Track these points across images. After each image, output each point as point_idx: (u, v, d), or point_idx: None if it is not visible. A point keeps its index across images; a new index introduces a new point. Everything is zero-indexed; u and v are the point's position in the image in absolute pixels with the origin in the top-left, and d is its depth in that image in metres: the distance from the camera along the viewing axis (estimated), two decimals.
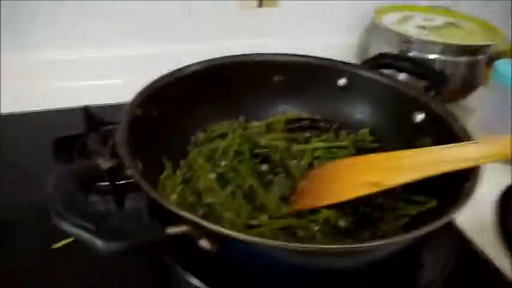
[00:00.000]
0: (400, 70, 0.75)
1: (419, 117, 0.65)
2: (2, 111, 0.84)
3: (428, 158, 0.53)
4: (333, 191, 0.56)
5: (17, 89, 0.89)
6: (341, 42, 1.11)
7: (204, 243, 0.42)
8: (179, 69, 0.67)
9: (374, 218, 0.57)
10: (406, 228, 0.54)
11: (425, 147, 0.56)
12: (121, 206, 0.58)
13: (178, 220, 0.41)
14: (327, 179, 0.59)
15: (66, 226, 0.37)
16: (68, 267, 0.55)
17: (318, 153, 0.64)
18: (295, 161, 0.63)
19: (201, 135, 0.69)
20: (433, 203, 0.56)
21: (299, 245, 0.41)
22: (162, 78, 0.65)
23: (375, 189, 0.54)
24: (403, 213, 0.58)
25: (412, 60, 0.82)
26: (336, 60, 0.73)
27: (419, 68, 0.74)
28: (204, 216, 0.54)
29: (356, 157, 0.62)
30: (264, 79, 0.74)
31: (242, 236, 0.39)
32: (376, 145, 0.70)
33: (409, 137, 0.66)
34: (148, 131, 0.60)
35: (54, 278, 0.54)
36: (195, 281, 0.44)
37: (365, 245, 0.45)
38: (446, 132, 0.60)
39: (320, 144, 0.65)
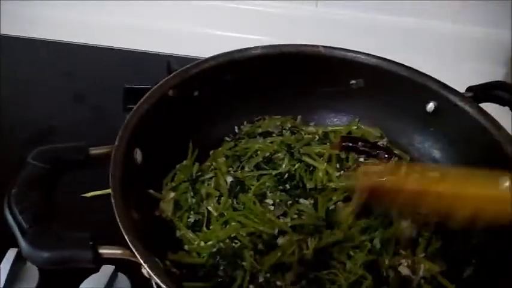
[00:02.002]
0: None
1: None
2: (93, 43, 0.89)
3: None
4: None
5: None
6: (488, 35, 0.87)
7: (145, 272, 0.38)
8: (238, 51, 0.60)
9: None
10: None
11: None
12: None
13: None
14: None
15: (6, 214, 0.37)
16: None
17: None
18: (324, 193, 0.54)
19: (246, 127, 0.63)
20: None
21: None
22: (217, 57, 0.59)
23: None
24: None
25: None
26: (430, 77, 0.58)
27: None
28: (192, 226, 0.51)
29: None
30: (338, 80, 0.63)
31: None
32: None
33: None
34: (181, 114, 0.56)
35: None
36: None
37: None
38: None
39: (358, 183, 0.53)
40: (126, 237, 0.37)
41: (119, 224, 0.38)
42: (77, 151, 0.44)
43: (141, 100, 0.51)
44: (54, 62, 0.87)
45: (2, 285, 0.52)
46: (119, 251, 0.37)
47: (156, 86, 0.53)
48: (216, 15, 0.93)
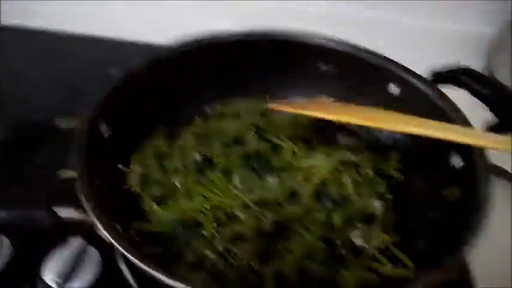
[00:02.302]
0: (481, 98, 0.57)
1: (457, 161, 0.51)
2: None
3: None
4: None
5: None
6: (471, 31, 0.90)
7: (102, 235, 0.40)
8: (208, 36, 0.62)
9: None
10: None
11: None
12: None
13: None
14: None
15: None
16: None
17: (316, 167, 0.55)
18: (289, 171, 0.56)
19: (217, 109, 0.65)
20: (409, 273, 0.45)
21: None
22: (187, 42, 0.61)
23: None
24: (376, 267, 0.48)
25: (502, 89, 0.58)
26: (393, 61, 0.60)
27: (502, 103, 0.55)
28: (158, 199, 0.53)
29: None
30: (308, 65, 0.65)
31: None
32: (400, 176, 0.57)
33: (439, 180, 0.53)
34: (152, 94, 0.59)
35: None
36: None
37: None
38: (473, 191, 0.46)
39: (320, 163, 0.55)
40: (82, 199, 0.39)
41: (77, 187, 0.40)
42: (42, 122, 0.46)
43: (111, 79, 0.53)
44: (47, 52, 0.89)
45: None
46: (75, 213, 0.39)
47: (128, 67, 0.55)
48: (210, 8, 0.95)
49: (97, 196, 0.42)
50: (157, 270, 0.36)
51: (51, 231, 0.43)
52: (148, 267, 0.36)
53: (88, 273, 0.52)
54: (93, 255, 0.55)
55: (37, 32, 0.90)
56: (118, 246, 0.38)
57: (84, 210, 0.39)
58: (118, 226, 0.43)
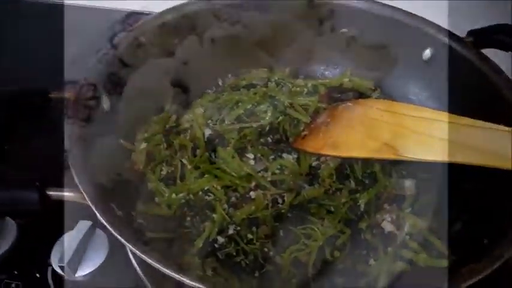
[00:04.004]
0: None
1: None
2: None
3: (463, 135, 0.42)
4: (344, 142, 0.48)
5: None
6: None
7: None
8: None
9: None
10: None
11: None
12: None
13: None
14: (344, 123, 0.50)
15: None
16: None
17: None
18: None
19: (230, 80, 0.60)
20: (443, 263, 0.40)
21: None
22: (195, 2, 0.55)
23: (389, 155, 0.45)
24: (407, 256, 0.42)
25: None
26: (427, 20, 0.54)
27: None
28: (165, 179, 0.48)
29: (384, 100, 0.52)
30: (328, 27, 0.58)
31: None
32: None
33: None
34: (158, 63, 0.53)
35: None
36: None
37: None
38: None
39: None
40: (75, 178, 0.35)
41: (70, 165, 0.36)
42: (35, 94, 0.41)
43: (109, 46, 0.48)
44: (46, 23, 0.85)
45: None
46: (68, 194, 0.35)
47: (125, 32, 0.50)
48: None
49: (93, 175, 0.37)
50: (158, 262, 0.32)
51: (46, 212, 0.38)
52: (148, 257, 0.32)
53: (95, 256, 0.49)
54: (101, 237, 0.52)
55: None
56: (114, 231, 0.34)
57: (78, 191, 0.35)
58: (116, 208, 0.38)
